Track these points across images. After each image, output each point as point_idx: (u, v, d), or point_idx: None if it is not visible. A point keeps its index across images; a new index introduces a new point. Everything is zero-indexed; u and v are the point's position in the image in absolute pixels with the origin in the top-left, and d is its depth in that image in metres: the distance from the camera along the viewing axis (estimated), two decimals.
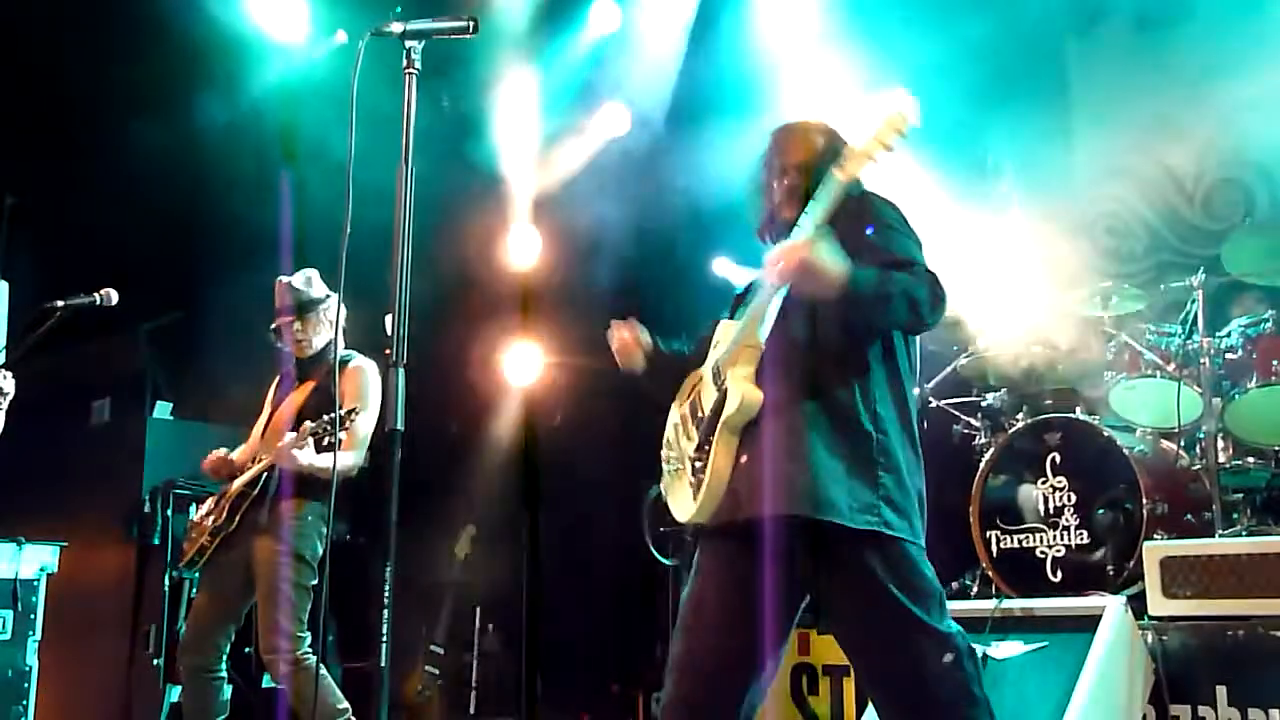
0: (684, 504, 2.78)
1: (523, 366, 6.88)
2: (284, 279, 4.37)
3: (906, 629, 2.56)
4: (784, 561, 2.62)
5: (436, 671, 6.10)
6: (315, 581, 4.11)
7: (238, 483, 4.20)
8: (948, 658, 2.56)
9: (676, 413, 2.92)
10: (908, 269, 2.59)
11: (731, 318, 2.85)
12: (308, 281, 4.37)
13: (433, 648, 6.12)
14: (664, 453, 2.94)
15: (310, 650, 4.01)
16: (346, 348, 4.35)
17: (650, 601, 5.69)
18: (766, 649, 2.65)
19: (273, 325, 4.34)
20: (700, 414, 2.79)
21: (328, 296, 4.36)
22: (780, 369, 2.67)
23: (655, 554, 5.34)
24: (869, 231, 2.65)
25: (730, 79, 6.19)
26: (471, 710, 6.26)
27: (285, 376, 4.41)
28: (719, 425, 2.67)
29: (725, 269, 6.19)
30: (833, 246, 2.50)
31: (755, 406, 2.63)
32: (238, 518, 4.16)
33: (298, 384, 4.34)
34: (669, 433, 2.94)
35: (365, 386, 4.24)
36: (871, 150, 2.49)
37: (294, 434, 4.04)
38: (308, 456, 4.03)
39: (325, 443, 4.04)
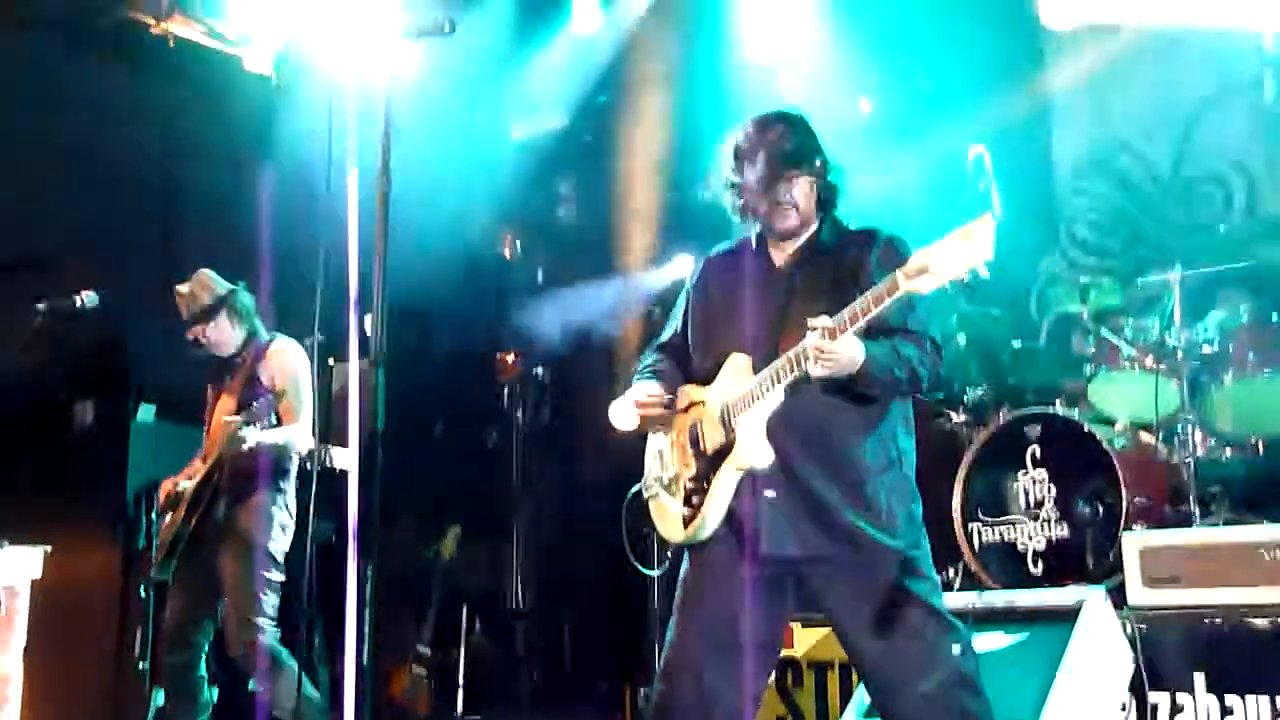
0: (673, 527, 2.85)
1: (509, 365, 6.89)
2: (180, 289, 4.34)
3: (919, 615, 2.64)
4: (780, 579, 2.74)
5: (424, 671, 6.10)
6: (280, 575, 4.17)
7: (190, 484, 4.25)
8: (955, 648, 2.62)
9: (671, 433, 2.92)
10: (920, 344, 2.69)
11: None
12: (202, 286, 4.33)
13: (419, 648, 6.12)
14: (652, 465, 2.95)
15: (271, 638, 4.09)
16: (269, 330, 4.39)
17: (637, 597, 5.70)
18: (758, 650, 2.73)
19: (188, 337, 4.34)
20: (702, 447, 2.81)
21: (228, 292, 4.33)
22: (794, 419, 2.70)
23: (636, 564, 5.34)
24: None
25: (715, 73, 6.21)
26: (459, 708, 6.27)
27: (218, 374, 4.43)
28: (723, 466, 2.72)
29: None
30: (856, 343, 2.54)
31: (765, 466, 2.68)
32: (194, 519, 4.21)
33: (228, 380, 4.37)
34: (663, 449, 2.93)
35: (289, 366, 4.28)
36: (942, 278, 2.41)
37: (233, 418, 4.06)
38: (253, 436, 4.06)
39: (258, 428, 4.08)
